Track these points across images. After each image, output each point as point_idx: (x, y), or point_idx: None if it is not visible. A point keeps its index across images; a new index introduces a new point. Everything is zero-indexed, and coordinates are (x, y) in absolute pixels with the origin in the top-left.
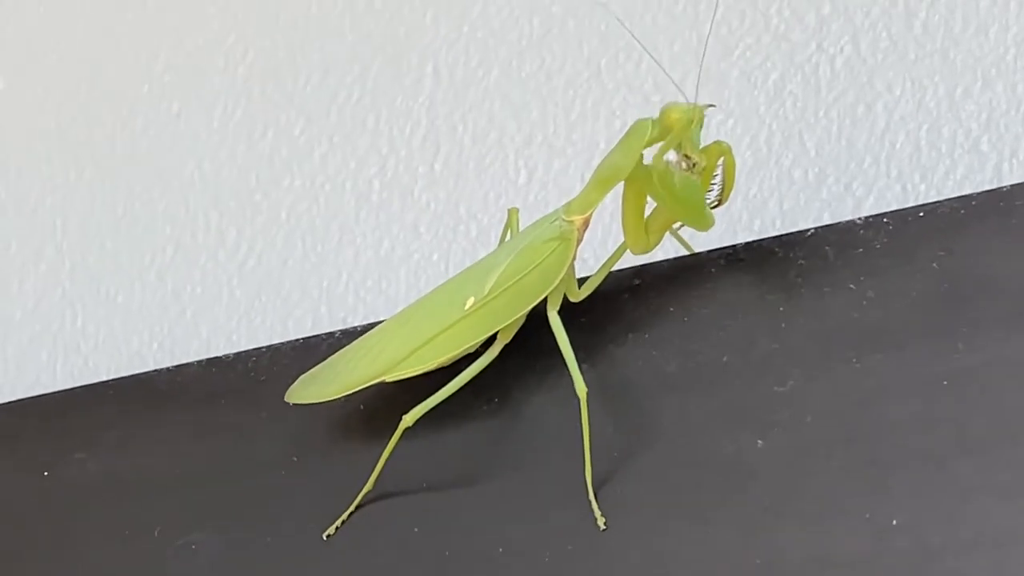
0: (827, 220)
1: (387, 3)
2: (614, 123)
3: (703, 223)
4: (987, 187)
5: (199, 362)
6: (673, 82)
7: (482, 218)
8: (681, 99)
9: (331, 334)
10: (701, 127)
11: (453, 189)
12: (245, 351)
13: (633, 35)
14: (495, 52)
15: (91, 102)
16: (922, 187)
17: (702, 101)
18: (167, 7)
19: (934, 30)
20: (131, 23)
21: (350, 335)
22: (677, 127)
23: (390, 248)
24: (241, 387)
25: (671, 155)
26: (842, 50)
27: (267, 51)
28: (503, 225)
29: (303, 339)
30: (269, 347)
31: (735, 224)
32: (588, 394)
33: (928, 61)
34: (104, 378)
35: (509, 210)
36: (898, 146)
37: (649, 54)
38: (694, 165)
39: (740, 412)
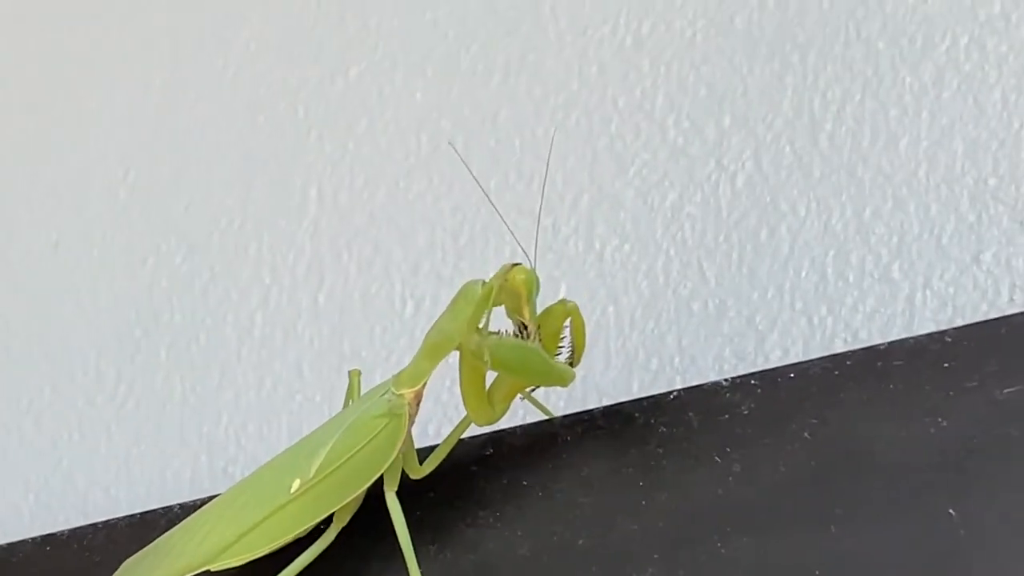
0: (728, 356)
1: (270, 119)
2: (504, 249)
3: (560, 381)
4: (898, 320)
5: (33, 539)
6: (515, 237)
7: (366, 355)
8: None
9: (169, 508)
10: (537, 289)
11: (337, 323)
12: (80, 527)
13: (476, 179)
14: (381, 171)
15: None
16: (829, 320)
17: (520, 260)
18: (45, 126)
19: (840, 143)
20: (7, 144)
21: (189, 509)
22: (503, 291)
23: (272, 388)
24: (74, 568)
25: (508, 325)
26: (743, 166)
27: (148, 171)
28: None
29: (140, 514)
30: (105, 523)
31: (631, 362)
32: None
33: (834, 178)
34: None
35: (350, 372)
36: (803, 275)
37: (492, 204)
38: (525, 329)
39: None
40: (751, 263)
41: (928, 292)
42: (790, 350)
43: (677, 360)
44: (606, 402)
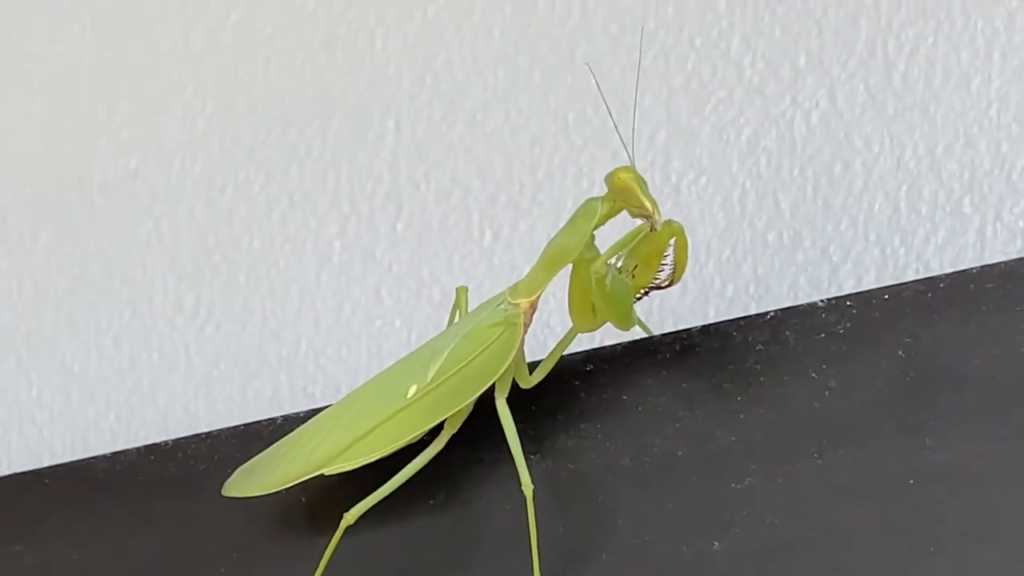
0: (803, 284)
1: (348, 55)
2: (581, 182)
3: (624, 325)
4: (969, 251)
5: (138, 449)
6: (624, 145)
7: (445, 281)
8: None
9: (273, 420)
10: (643, 182)
11: (416, 250)
12: (184, 437)
13: (601, 91)
14: (459, 105)
15: (45, 159)
16: (901, 251)
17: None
18: (123, 58)
19: (914, 83)
20: (86, 75)
21: (292, 421)
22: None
23: (351, 313)
24: (180, 476)
25: (614, 259)
26: (818, 104)
27: (226, 103)
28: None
29: (243, 425)
30: (208, 434)
31: (707, 290)
32: (536, 490)
33: (908, 116)
34: (59, 451)
35: (457, 289)
36: (876, 207)
37: (610, 114)
38: (634, 271)
39: (696, 511)
40: (826, 196)
41: (999, 224)
42: (863, 279)
43: (752, 288)
44: (682, 326)
